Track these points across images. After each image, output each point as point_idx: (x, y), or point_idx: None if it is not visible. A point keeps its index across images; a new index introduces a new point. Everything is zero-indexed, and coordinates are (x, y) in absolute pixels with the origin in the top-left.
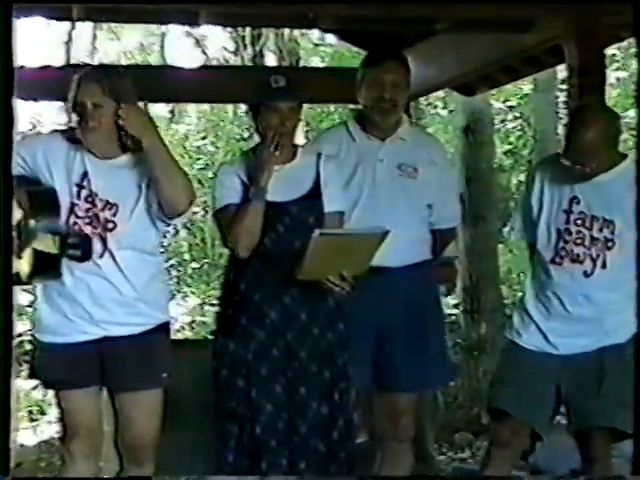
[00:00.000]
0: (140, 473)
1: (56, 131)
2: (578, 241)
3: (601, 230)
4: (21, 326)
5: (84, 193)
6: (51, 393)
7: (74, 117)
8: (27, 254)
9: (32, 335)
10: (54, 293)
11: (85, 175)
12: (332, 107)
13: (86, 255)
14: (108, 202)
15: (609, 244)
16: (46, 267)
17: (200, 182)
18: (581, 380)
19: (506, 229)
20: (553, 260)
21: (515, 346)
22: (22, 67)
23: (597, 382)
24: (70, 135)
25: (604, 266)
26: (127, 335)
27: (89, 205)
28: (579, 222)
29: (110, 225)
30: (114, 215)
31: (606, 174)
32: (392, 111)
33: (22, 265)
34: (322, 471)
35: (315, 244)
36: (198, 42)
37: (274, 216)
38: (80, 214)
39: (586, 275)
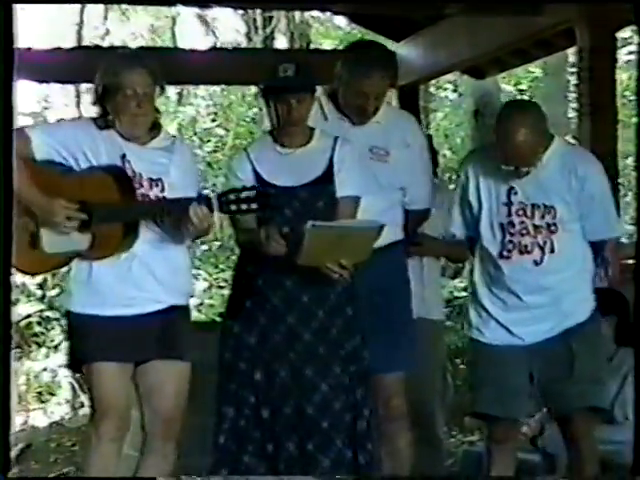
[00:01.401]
0: (164, 450)
1: (83, 117)
2: (523, 232)
3: (543, 217)
4: (29, 307)
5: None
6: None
7: (113, 101)
8: None
9: (74, 312)
10: (122, 264)
11: (124, 157)
12: None
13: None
14: (151, 179)
15: (552, 228)
16: None
17: (209, 165)
18: (552, 366)
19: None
20: (501, 254)
21: (480, 344)
22: (33, 49)
23: (568, 365)
24: (99, 122)
25: (552, 251)
26: (184, 305)
27: (135, 185)
28: (520, 212)
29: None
30: (162, 191)
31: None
32: (367, 117)
33: None
34: (332, 453)
35: (308, 235)
36: (209, 24)
37: (283, 201)
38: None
39: (536, 264)
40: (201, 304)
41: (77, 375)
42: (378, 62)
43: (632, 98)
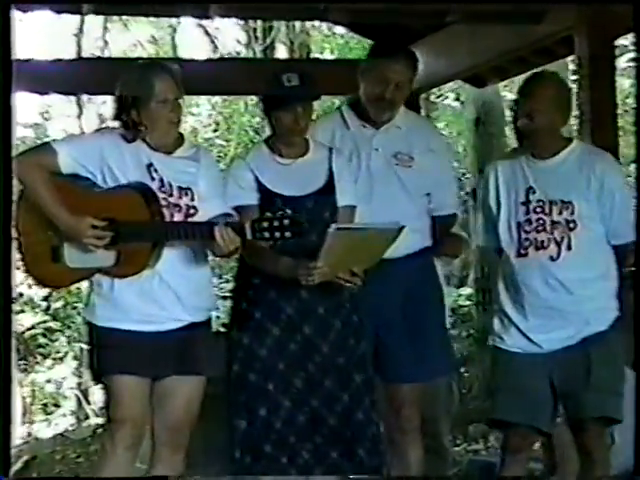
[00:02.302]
0: (173, 460)
1: (108, 128)
2: (539, 228)
3: (560, 213)
4: (33, 319)
5: (156, 184)
6: (73, 382)
7: (146, 110)
8: None
9: (95, 325)
10: (143, 281)
11: (150, 166)
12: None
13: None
14: (181, 188)
15: (571, 225)
16: None
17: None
18: (569, 373)
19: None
20: (518, 253)
21: (500, 351)
22: (32, 60)
23: (585, 373)
24: (126, 134)
25: (569, 248)
26: (204, 320)
27: (164, 194)
28: (538, 210)
29: (192, 211)
30: (192, 200)
31: (555, 157)
32: (388, 110)
33: None
34: (355, 462)
35: (332, 239)
36: (209, 34)
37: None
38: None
39: (552, 259)
40: None
41: (84, 387)
42: (401, 50)
43: (634, 106)
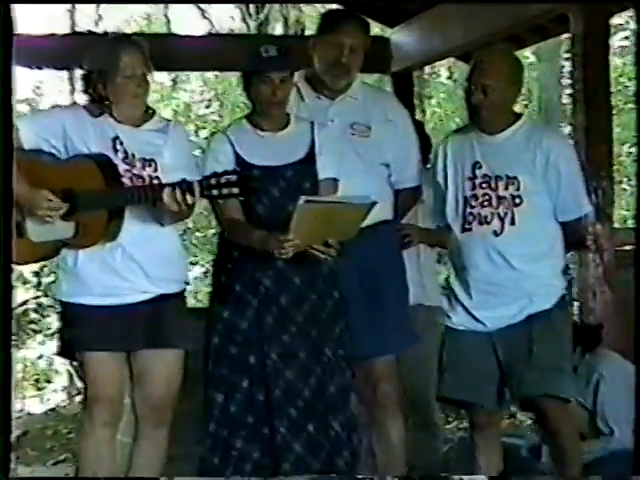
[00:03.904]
0: (156, 435)
1: (74, 103)
2: (485, 203)
3: (506, 188)
4: (25, 294)
5: (120, 155)
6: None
7: (112, 84)
8: None
9: (61, 301)
10: (106, 254)
11: (116, 139)
12: None
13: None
14: (144, 159)
15: (516, 201)
16: None
17: (204, 151)
18: (512, 351)
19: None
20: (463, 228)
21: (448, 329)
22: (26, 35)
23: (527, 351)
24: (92, 108)
25: (513, 223)
26: (175, 292)
27: (127, 166)
28: (484, 185)
29: (155, 182)
30: (155, 171)
31: (504, 132)
32: (345, 76)
33: None
34: (329, 436)
35: (301, 211)
36: (203, 10)
37: (269, 180)
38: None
39: (496, 234)
40: (197, 291)
41: (74, 363)
42: (351, 14)
43: (627, 84)
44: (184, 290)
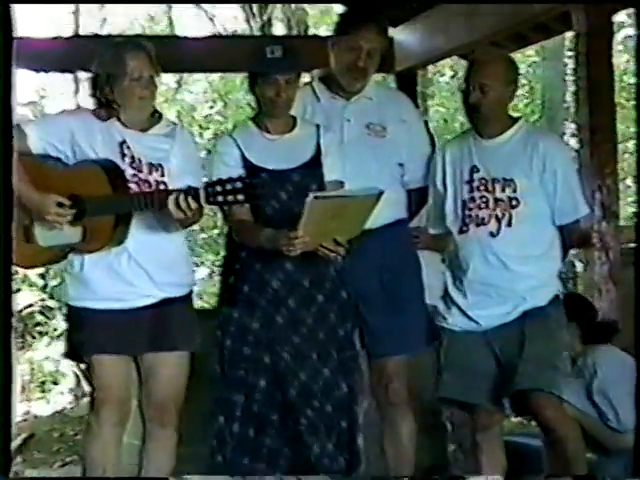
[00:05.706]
0: (163, 436)
1: (81, 108)
2: (482, 205)
3: (503, 190)
4: (31, 297)
5: (127, 160)
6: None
7: (119, 88)
8: None
9: (70, 305)
10: (112, 259)
11: (123, 143)
12: None
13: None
14: (151, 164)
15: (513, 202)
16: None
17: (209, 152)
18: (507, 349)
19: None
20: (460, 230)
21: (444, 331)
22: (31, 38)
23: (519, 347)
24: (100, 112)
25: (509, 224)
26: (180, 296)
27: (134, 171)
28: (481, 188)
29: (162, 187)
30: (162, 176)
31: (501, 136)
32: (362, 79)
33: None
34: (334, 437)
35: (310, 208)
36: (206, 12)
37: (277, 183)
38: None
39: (492, 235)
40: (203, 292)
41: (81, 365)
42: (370, 17)
43: (631, 81)
44: (190, 292)
